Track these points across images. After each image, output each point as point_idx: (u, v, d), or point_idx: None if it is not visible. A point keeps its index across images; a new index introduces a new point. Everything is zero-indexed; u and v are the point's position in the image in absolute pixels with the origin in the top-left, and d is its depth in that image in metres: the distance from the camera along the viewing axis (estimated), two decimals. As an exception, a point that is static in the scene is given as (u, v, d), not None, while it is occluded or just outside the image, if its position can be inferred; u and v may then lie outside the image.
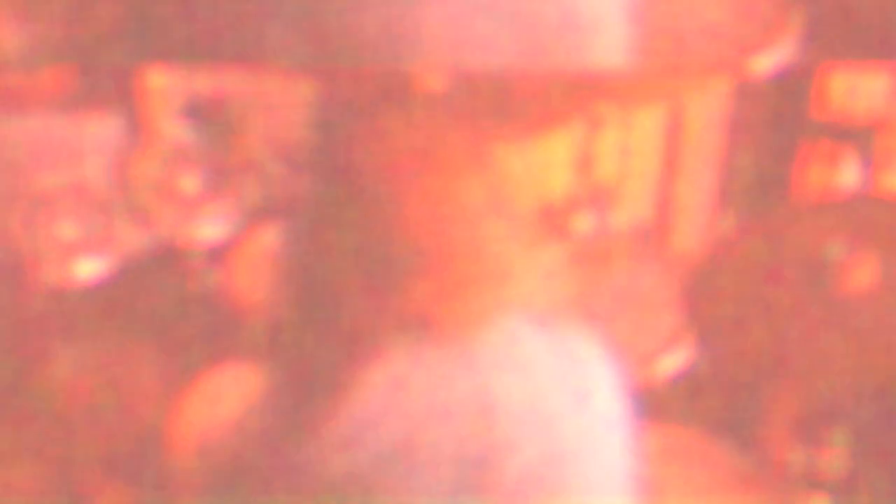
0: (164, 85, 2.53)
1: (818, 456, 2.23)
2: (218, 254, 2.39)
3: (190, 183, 2.34)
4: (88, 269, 2.30)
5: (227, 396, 1.50)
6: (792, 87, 2.52)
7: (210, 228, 2.33)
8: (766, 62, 2.22)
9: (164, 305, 2.46)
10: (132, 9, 1.94)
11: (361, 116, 1.49)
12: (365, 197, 1.43)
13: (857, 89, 2.54)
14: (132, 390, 2.29)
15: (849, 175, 2.55)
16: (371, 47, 1.66)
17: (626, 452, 1.55)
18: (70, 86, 2.52)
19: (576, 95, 2.34)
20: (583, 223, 2.44)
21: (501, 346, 1.47)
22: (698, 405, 2.32)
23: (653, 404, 1.72)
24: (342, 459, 1.42)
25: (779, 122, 2.60)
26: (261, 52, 1.71)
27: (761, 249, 2.11)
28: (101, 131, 2.54)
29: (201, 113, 2.48)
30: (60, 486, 2.20)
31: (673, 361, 2.17)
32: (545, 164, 2.41)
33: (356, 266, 1.43)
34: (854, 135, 2.55)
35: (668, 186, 2.63)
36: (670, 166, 2.61)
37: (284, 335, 1.50)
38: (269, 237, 2.39)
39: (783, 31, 2.23)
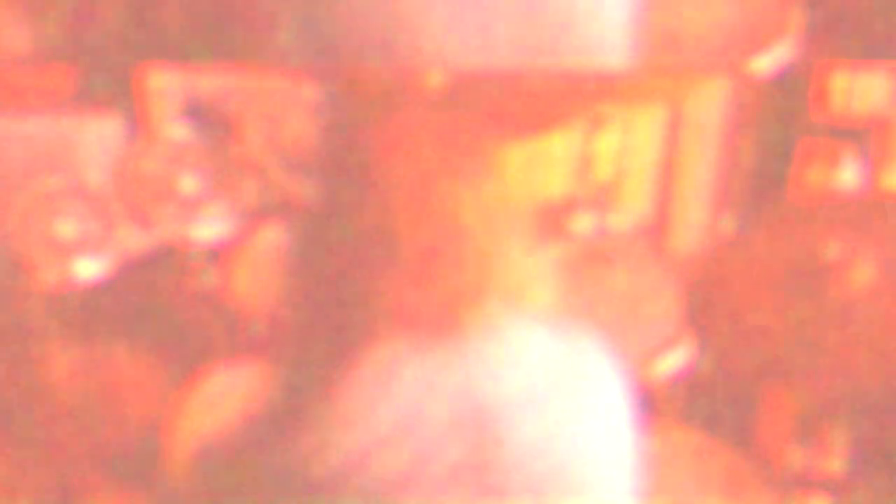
0: (164, 85, 2.53)
1: (818, 456, 2.23)
2: (218, 254, 2.39)
3: (190, 183, 2.35)
4: (88, 269, 2.30)
5: (227, 396, 1.50)
6: (792, 87, 2.52)
7: (210, 228, 2.33)
8: (766, 62, 2.22)
9: (164, 305, 2.46)
10: (133, 9, 1.95)
11: (362, 116, 1.49)
12: (365, 197, 1.43)
13: (856, 89, 2.54)
14: (131, 390, 2.29)
15: (848, 175, 2.55)
16: (372, 47, 1.66)
17: (625, 452, 1.55)
18: (70, 86, 2.52)
19: (576, 95, 2.34)
20: (582, 223, 2.45)
21: (502, 345, 1.47)
22: (698, 405, 2.32)
23: (653, 404, 1.72)
24: (341, 459, 1.42)
25: (778, 122, 2.60)
26: (261, 53, 1.71)
27: (761, 249, 2.11)
28: (101, 131, 2.55)
29: (201, 113, 2.48)
30: (59, 487, 2.20)
31: (673, 361, 2.17)
32: (545, 163, 2.41)
33: (356, 266, 1.43)
34: (854, 135, 2.55)
35: (667, 186, 2.63)
36: (670, 166, 2.62)
37: (285, 334, 1.50)
38: (269, 237, 2.39)
39: (783, 31, 2.23)
